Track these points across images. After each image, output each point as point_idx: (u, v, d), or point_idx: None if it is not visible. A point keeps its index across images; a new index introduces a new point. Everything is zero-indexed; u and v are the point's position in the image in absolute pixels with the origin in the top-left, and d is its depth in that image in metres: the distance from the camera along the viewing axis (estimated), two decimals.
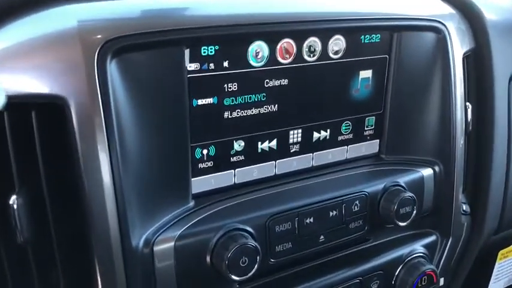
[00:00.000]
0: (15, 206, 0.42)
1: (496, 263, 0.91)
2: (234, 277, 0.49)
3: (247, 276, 0.49)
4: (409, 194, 0.60)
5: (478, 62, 0.72)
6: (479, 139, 0.74)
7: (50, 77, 0.41)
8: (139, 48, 0.44)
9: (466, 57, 0.70)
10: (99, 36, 0.42)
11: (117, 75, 0.44)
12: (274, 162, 0.58)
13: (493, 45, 0.72)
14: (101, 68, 0.42)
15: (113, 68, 0.43)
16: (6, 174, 0.43)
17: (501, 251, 0.90)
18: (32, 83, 0.42)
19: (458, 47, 0.65)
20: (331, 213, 0.57)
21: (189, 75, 0.49)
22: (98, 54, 0.42)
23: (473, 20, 0.71)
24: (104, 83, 0.42)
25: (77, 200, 0.44)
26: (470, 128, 0.70)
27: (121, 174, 0.44)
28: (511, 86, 0.77)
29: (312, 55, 0.56)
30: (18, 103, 0.41)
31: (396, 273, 0.64)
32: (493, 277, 0.92)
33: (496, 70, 0.73)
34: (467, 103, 0.69)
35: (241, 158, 0.56)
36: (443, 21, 0.63)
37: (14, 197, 0.42)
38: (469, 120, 0.69)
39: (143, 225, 0.47)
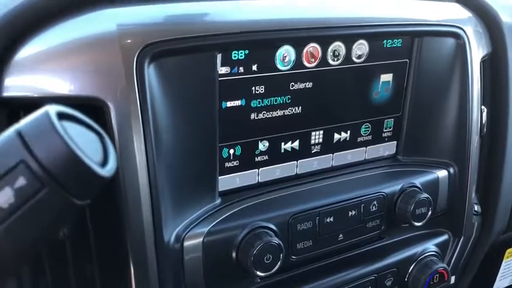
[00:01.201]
0: None
1: (503, 261, 0.93)
2: (258, 273, 0.51)
3: (270, 272, 0.52)
4: (425, 195, 0.62)
5: (495, 66, 0.73)
6: (492, 141, 0.75)
7: (89, 80, 0.43)
8: (176, 53, 0.46)
9: (483, 62, 0.71)
10: (138, 40, 0.44)
11: (154, 79, 0.45)
12: (296, 162, 0.60)
13: (510, 48, 0.73)
14: (139, 72, 0.44)
15: (150, 72, 0.45)
16: None
17: (508, 250, 0.92)
18: (73, 84, 0.43)
19: (476, 51, 0.66)
20: (350, 213, 0.59)
21: (220, 79, 0.50)
22: (137, 58, 0.44)
23: (490, 24, 0.72)
24: (142, 87, 0.44)
25: (114, 196, 0.46)
26: (485, 130, 0.72)
27: (156, 172, 0.46)
28: None
29: (336, 59, 0.57)
30: (60, 104, 0.43)
31: (409, 271, 0.66)
32: (499, 274, 0.94)
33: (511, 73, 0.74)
34: (483, 106, 0.70)
35: (265, 157, 0.57)
36: (462, 27, 0.64)
37: None
38: (484, 123, 0.71)
39: (174, 221, 0.50)
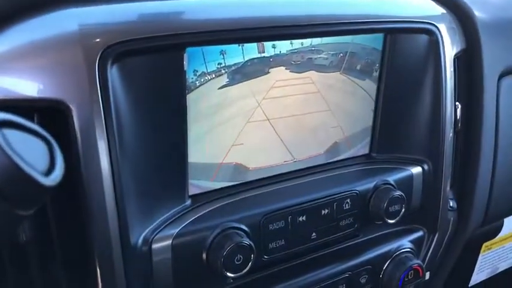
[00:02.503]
0: None
1: (480, 255, 0.94)
2: (229, 274, 0.51)
3: (241, 273, 0.51)
4: (398, 192, 0.62)
5: (469, 62, 0.73)
6: (468, 137, 0.76)
7: (51, 81, 0.42)
8: (140, 53, 0.45)
9: (457, 58, 0.71)
10: (100, 41, 0.43)
11: (117, 80, 0.44)
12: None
13: (484, 44, 0.73)
14: (102, 73, 0.43)
15: (113, 73, 0.44)
16: None
17: (485, 243, 0.93)
18: (34, 86, 0.42)
19: (450, 48, 0.67)
20: (323, 212, 0.59)
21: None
22: (99, 60, 0.43)
23: (463, 20, 0.72)
24: (105, 89, 0.43)
25: (78, 200, 0.45)
26: (459, 126, 0.72)
27: (121, 175, 0.45)
28: (500, 84, 0.79)
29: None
30: (21, 106, 0.42)
31: (384, 268, 0.66)
32: (476, 268, 0.95)
33: (486, 69, 0.74)
34: (457, 102, 0.71)
35: None
36: (435, 23, 0.64)
37: None
38: (458, 118, 0.71)
39: (142, 224, 0.49)
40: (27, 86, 0.42)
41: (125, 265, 0.47)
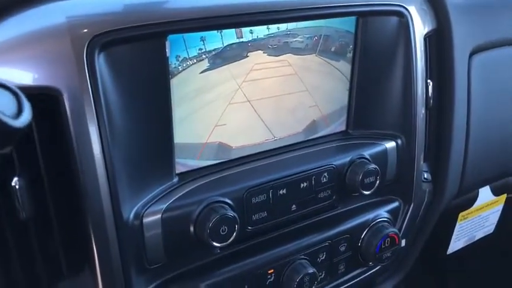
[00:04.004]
0: (17, 187, 0.47)
1: (457, 224, 0.99)
2: (215, 244, 0.55)
3: (227, 243, 0.56)
4: (372, 165, 0.66)
5: (440, 41, 0.77)
6: (441, 113, 0.80)
7: (43, 70, 0.46)
8: (125, 41, 0.48)
9: (428, 37, 0.75)
10: (87, 31, 0.46)
11: (105, 67, 0.48)
12: None
13: (454, 24, 0.77)
14: (90, 61, 0.46)
15: (101, 60, 0.47)
16: (8, 159, 0.47)
17: (461, 213, 0.98)
18: (27, 75, 0.46)
19: (420, 28, 0.70)
20: (302, 185, 0.63)
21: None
22: (87, 49, 0.46)
23: (434, 2, 0.76)
24: (93, 75, 0.47)
25: (73, 180, 0.49)
26: (432, 102, 0.76)
27: (111, 155, 0.49)
28: (471, 62, 0.83)
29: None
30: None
31: (362, 236, 0.71)
32: (453, 236, 1.00)
33: (457, 48, 0.78)
34: (429, 80, 0.75)
35: None
36: (405, 5, 0.68)
37: (15, 179, 0.47)
38: (430, 95, 0.75)
39: (133, 200, 0.53)
40: (20, 74, 0.46)
41: (118, 238, 0.51)
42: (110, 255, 0.51)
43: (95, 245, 0.50)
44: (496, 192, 1.01)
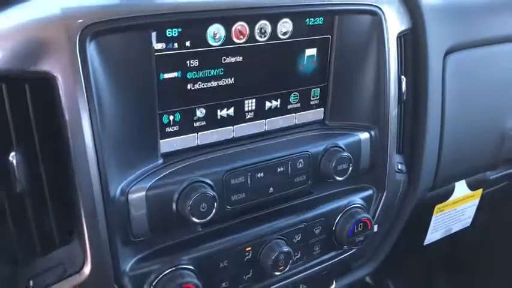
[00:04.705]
0: (14, 161, 0.52)
1: (433, 216, 1.04)
2: (195, 220, 0.60)
3: (206, 219, 0.60)
4: (346, 153, 0.71)
5: (414, 40, 0.82)
6: (415, 107, 0.85)
7: (40, 57, 0.51)
8: (114, 31, 0.53)
9: (404, 35, 0.80)
10: (79, 21, 0.52)
11: (95, 55, 0.53)
12: (232, 127, 0.68)
13: (428, 25, 0.82)
14: (81, 49, 0.51)
15: (92, 49, 0.52)
16: (6, 135, 0.52)
17: (437, 205, 1.03)
18: (26, 61, 0.51)
19: (393, 27, 0.75)
20: (278, 169, 0.68)
21: (156, 53, 0.58)
22: (79, 38, 0.51)
23: (409, 3, 0.81)
24: (84, 62, 0.52)
25: (65, 157, 0.54)
26: (405, 97, 0.81)
27: (100, 136, 0.54)
28: (446, 61, 0.88)
29: (263, 36, 0.65)
30: (15, 77, 0.51)
31: (336, 221, 0.76)
32: (430, 228, 1.05)
33: (431, 47, 0.83)
34: (403, 76, 0.80)
35: (203, 123, 0.66)
36: (379, 5, 0.73)
37: (12, 154, 0.52)
38: (403, 90, 0.80)
39: (119, 178, 0.58)
40: (19, 59, 0.51)
41: (105, 212, 0.56)
42: (97, 228, 0.56)
43: (84, 217, 0.55)
44: (471, 187, 1.06)
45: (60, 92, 0.51)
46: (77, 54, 0.51)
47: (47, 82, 0.52)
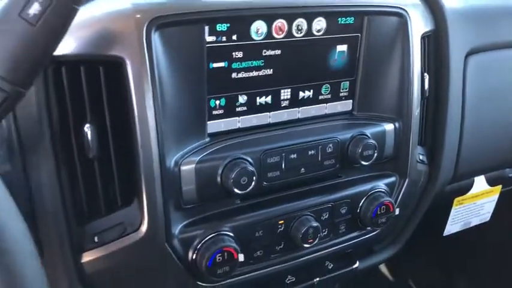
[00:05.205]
0: (88, 132, 0.61)
1: (453, 208, 1.10)
2: (236, 191, 0.68)
3: (246, 191, 0.69)
4: (371, 141, 0.79)
5: (437, 41, 0.89)
6: (437, 103, 0.92)
7: (114, 43, 0.60)
8: (174, 24, 0.63)
9: (428, 36, 0.87)
10: (146, 15, 0.61)
11: (159, 44, 0.62)
12: (268, 113, 0.77)
13: (450, 27, 0.89)
14: (147, 38, 0.61)
15: (156, 38, 0.62)
16: (82, 110, 0.62)
17: (457, 198, 1.08)
18: (102, 47, 0.60)
19: (418, 28, 0.82)
20: (310, 152, 0.76)
21: (207, 45, 0.67)
22: (146, 28, 0.60)
23: (433, 7, 0.88)
24: (149, 49, 0.61)
25: (130, 130, 0.63)
26: (428, 93, 0.88)
27: (160, 113, 0.63)
28: (466, 62, 0.94)
29: (299, 32, 0.74)
30: (91, 60, 0.60)
31: (361, 203, 0.83)
32: (449, 220, 1.11)
33: (453, 48, 0.90)
34: (425, 73, 0.87)
35: (244, 108, 0.74)
36: (405, 8, 0.80)
37: (87, 125, 0.61)
38: (426, 87, 0.87)
39: (173, 152, 0.67)
40: (96, 45, 0.60)
41: (162, 180, 0.65)
42: (154, 193, 0.64)
43: (144, 184, 0.64)
44: (491, 183, 1.12)
45: (129, 74, 0.61)
46: (143, 42, 0.61)
47: (118, 65, 0.61)
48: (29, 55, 0.47)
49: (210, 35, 0.67)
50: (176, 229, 0.69)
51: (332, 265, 0.88)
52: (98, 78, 0.62)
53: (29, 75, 0.48)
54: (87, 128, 0.62)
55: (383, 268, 1.59)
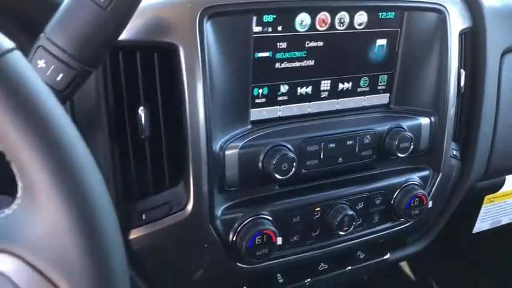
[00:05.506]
0: (142, 114, 0.65)
1: (483, 206, 1.11)
2: (277, 176, 0.71)
3: (286, 177, 0.71)
4: (408, 133, 0.81)
5: (474, 39, 0.91)
6: (472, 99, 0.93)
7: (169, 31, 0.64)
8: (225, 14, 0.66)
9: (464, 33, 0.89)
10: (199, 5, 0.64)
11: (210, 32, 0.65)
12: (308, 103, 0.79)
13: (488, 26, 0.90)
14: (200, 26, 0.64)
15: (207, 27, 0.65)
16: (137, 94, 0.65)
17: (487, 196, 1.09)
18: (159, 34, 0.64)
19: (456, 25, 0.84)
20: (348, 142, 0.78)
21: (254, 35, 0.70)
22: (198, 17, 0.64)
23: (471, 4, 0.90)
24: (201, 36, 0.64)
25: (181, 114, 0.66)
26: (463, 89, 0.89)
27: (209, 100, 0.66)
28: (503, 60, 0.95)
29: (342, 25, 0.76)
30: (147, 46, 0.64)
31: (395, 195, 0.85)
32: (479, 217, 1.12)
33: (489, 45, 0.91)
34: (462, 70, 0.88)
35: (285, 98, 0.77)
36: (444, 4, 0.82)
37: (141, 108, 0.65)
38: (462, 83, 0.88)
39: (219, 137, 0.69)
40: (152, 32, 0.64)
41: (208, 162, 0.68)
42: (200, 175, 0.67)
43: (191, 165, 0.67)
44: None
45: (182, 60, 0.64)
46: (196, 30, 0.64)
47: (172, 52, 0.64)
48: (98, 37, 0.50)
49: (257, 25, 0.70)
50: (219, 211, 0.72)
51: (364, 255, 0.90)
52: (152, 64, 0.65)
53: (97, 55, 0.51)
54: (141, 111, 0.65)
55: (406, 268, 1.60)
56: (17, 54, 0.34)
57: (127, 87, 0.65)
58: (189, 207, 0.68)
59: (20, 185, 0.34)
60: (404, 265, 1.59)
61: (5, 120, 0.32)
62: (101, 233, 0.35)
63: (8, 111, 0.32)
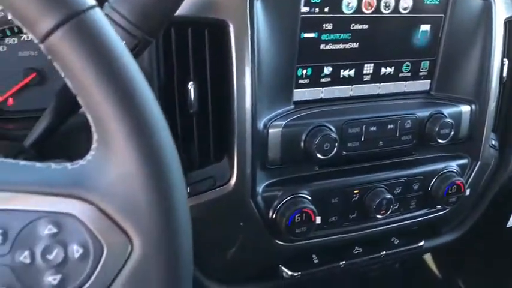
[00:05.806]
0: (191, 89, 0.67)
1: None
2: (319, 156, 0.72)
3: (328, 157, 0.72)
4: (449, 119, 0.81)
5: None
6: None
7: (220, 8, 0.65)
8: None
9: (509, 22, 0.88)
10: None
11: (260, 11, 0.67)
12: (350, 86, 0.80)
13: None
14: (251, 4, 0.65)
15: (258, 5, 0.66)
16: (187, 69, 0.67)
17: None
18: (208, 10, 0.65)
19: (501, 13, 0.83)
20: (389, 126, 0.79)
21: (301, 15, 0.71)
22: None
23: None
24: (251, 15, 0.65)
25: (228, 90, 0.67)
26: (505, 79, 0.89)
27: (256, 77, 0.67)
28: None
29: (387, 9, 0.76)
30: (198, 22, 0.65)
31: (433, 181, 0.85)
32: None
33: None
34: (505, 59, 0.87)
35: (328, 79, 0.78)
36: None
37: (190, 83, 0.67)
38: (504, 73, 0.88)
39: (263, 115, 0.71)
40: (203, 9, 0.65)
41: (252, 139, 0.69)
42: (244, 151, 0.69)
43: (236, 141, 0.68)
44: None
45: (231, 37, 0.65)
46: (247, 8, 0.65)
47: (222, 29, 0.66)
48: (160, 7, 0.52)
49: (305, 5, 0.71)
50: (260, 187, 0.73)
51: (398, 241, 0.91)
52: (202, 40, 0.67)
53: (158, 25, 0.53)
54: (190, 86, 0.67)
55: (432, 265, 1.59)
56: (99, 11, 0.35)
57: (178, 63, 0.67)
58: (232, 182, 0.70)
59: (95, 137, 0.36)
60: (431, 262, 1.58)
61: (87, 73, 0.34)
62: (170, 185, 0.37)
63: (91, 64, 0.34)
